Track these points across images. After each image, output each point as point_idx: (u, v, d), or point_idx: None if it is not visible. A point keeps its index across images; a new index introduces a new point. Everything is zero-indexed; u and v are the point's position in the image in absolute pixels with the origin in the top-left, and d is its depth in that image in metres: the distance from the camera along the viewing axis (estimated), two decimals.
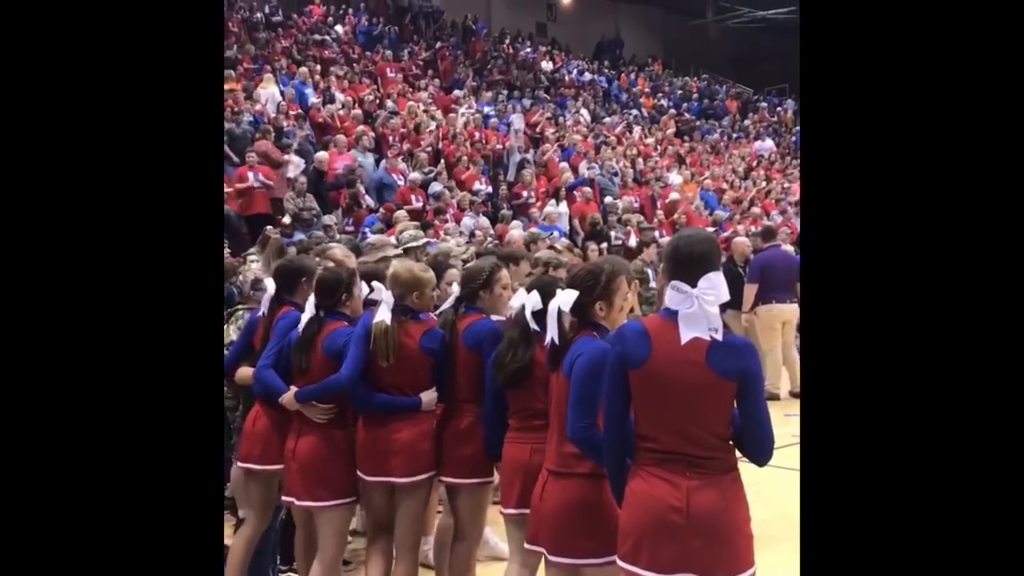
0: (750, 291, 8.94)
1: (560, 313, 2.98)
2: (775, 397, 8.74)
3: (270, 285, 4.00)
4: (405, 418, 3.58)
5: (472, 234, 10.08)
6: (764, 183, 17.52)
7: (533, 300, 3.29)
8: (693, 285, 2.50)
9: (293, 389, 3.63)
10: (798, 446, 7.31)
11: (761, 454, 2.59)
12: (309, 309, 3.67)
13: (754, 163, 19.28)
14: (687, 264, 2.54)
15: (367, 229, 9.83)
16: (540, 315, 3.25)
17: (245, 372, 3.99)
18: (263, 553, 4.05)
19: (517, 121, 14.92)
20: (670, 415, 2.53)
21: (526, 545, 3.14)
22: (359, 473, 3.63)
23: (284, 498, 3.72)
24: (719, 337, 2.49)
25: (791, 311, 8.97)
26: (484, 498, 3.71)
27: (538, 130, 16.21)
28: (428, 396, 3.61)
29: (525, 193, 13.00)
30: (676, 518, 2.48)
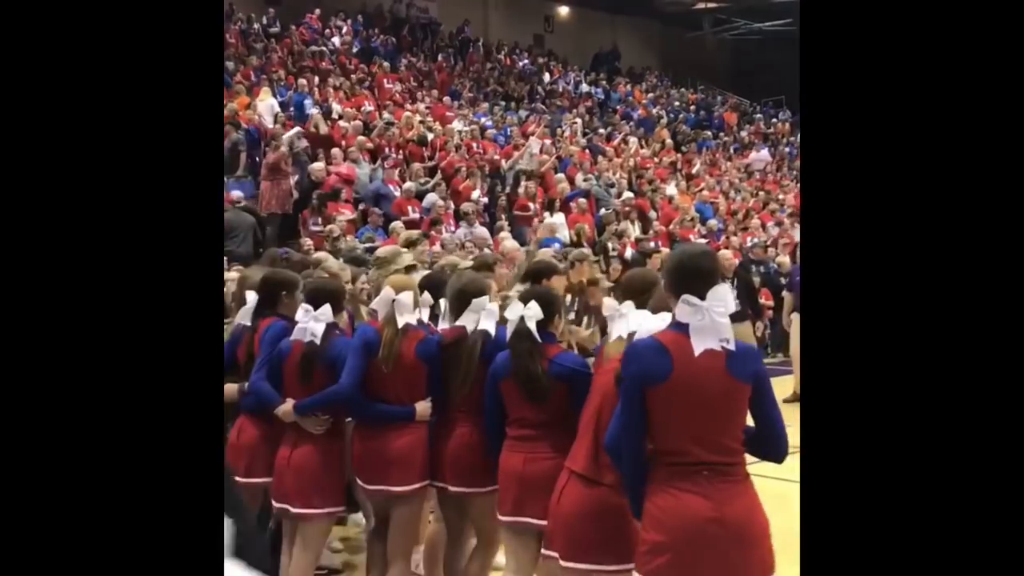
0: (791, 299, 9.82)
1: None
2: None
3: (251, 297, 3.99)
4: (399, 427, 3.59)
5: (462, 245, 10.05)
6: (761, 194, 17.55)
7: (534, 310, 3.30)
8: (702, 298, 2.55)
9: (290, 401, 3.62)
10: (797, 455, 7.18)
11: (779, 451, 2.70)
12: (315, 321, 3.64)
13: (748, 174, 19.33)
14: (694, 278, 2.59)
15: (358, 239, 9.82)
16: (542, 325, 3.31)
17: (229, 388, 3.95)
18: None
19: (534, 145, 14.86)
20: (696, 425, 2.55)
21: (542, 550, 3.16)
22: (359, 482, 3.64)
23: (277, 505, 3.72)
24: (731, 347, 2.56)
25: None
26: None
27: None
28: (422, 406, 3.62)
29: (530, 205, 12.98)
30: (714, 528, 2.51)
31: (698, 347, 2.53)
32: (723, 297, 2.56)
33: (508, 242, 8.91)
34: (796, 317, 9.66)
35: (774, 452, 2.69)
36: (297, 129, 12.05)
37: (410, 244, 6.32)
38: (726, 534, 2.51)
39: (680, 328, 2.59)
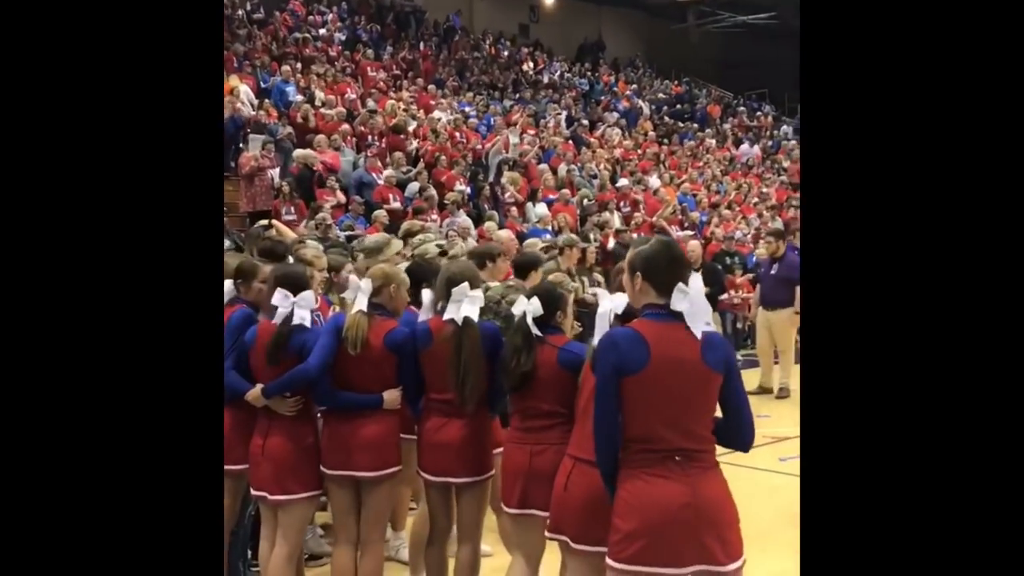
0: (758, 291, 9.61)
1: (612, 315, 3.07)
2: None
3: (227, 285, 4.00)
4: (370, 414, 3.61)
5: (446, 235, 10.05)
6: (744, 186, 17.64)
7: (535, 306, 3.39)
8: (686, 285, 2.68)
9: (259, 386, 3.63)
10: (770, 446, 7.43)
11: (745, 439, 2.77)
12: (299, 307, 3.67)
13: (732, 167, 19.41)
14: (680, 267, 2.73)
15: (338, 227, 9.80)
16: (540, 321, 3.38)
17: None
18: (233, 548, 4.06)
19: (513, 136, 14.86)
20: (670, 413, 2.63)
21: (547, 534, 3.21)
22: (322, 468, 3.66)
23: (255, 493, 3.74)
24: (712, 329, 2.69)
25: None
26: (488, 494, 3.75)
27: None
28: (391, 395, 3.65)
29: (508, 195, 13.01)
30: (688, 513, 2.58)
31: (697, 330, 2.64)
32: (700, 283, 2.70)
33: (504, 232, 8.90)
34: (761, 311, 9.74)
35: (740, 440, 2.77)
36: (265, 136, 11.77)
37: (409, 234, 6.27)
38: (700, 519, 2.58)
39: (657, 317, 2.67)
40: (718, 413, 2.75)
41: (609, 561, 2.68)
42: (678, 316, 2.65)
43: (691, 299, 2.65)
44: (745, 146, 21.01)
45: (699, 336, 2.64)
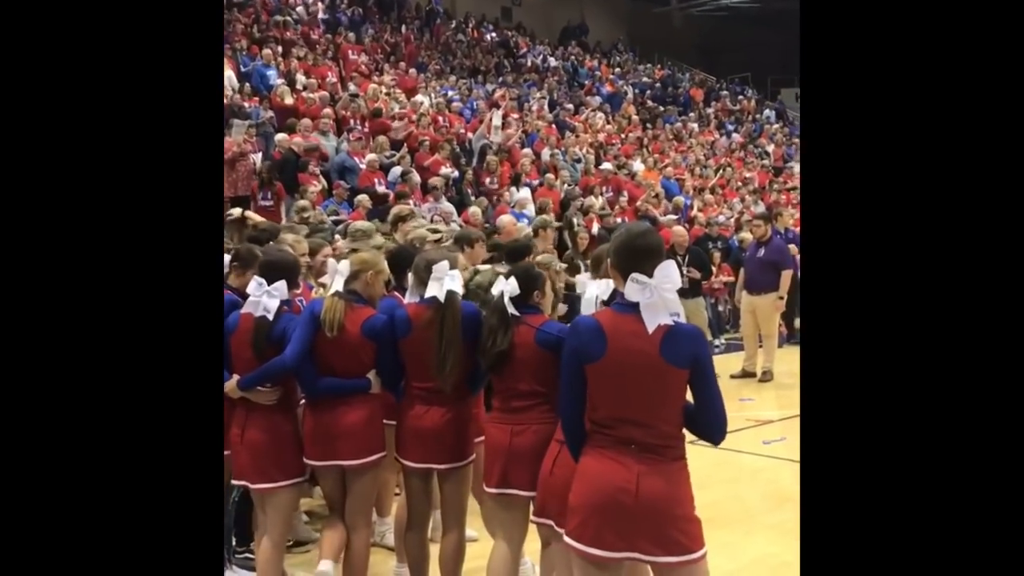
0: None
1: (598, 301, 3.06)
2: None
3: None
4: (352, 401, 3.60)
5: (431, 219, 10.03)
6: (726, 170, 17.67)
7: (512, 286, 3.37)
8: (649, 276, 2.58)
9: (235, 377, 3.60)
10: (753, 429, 7.45)
11: (716, 434, 2.69)
12: (269, 296, 3.63)
13: (713, 151, 19.44)
14: (642, 256, 2.64)
15: (322, 212, 9.72)
16: (518, 300, 3.36)
17: None
18: None
19: (496, 117, 14.79)
20: (627, 405, 2.61)
21: (532, 518, 3.22)
22: (306, 460, 3.64)
23: (235, 482, 3.73)
24: (681, 320, 2.61)
25: None
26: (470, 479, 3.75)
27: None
28: (377, 379, 3.64)
29: (489, 179, 12.99)
30: (625, 498, 2.55)
31: (651, 324, 2.56)
32: (670, 274, 2.60)
33: (506, 217, 8.90)
34: (746, 295, 9.69)
35: (708, 434, 2.69)
36: (248, 122, 11.55)
37: (400, 220, 6.17)
38: (637, 506, 2.54)
39: (621, 308, 2.64)
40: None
41: (564, 536, 2.72)
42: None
43: (652, 290, 2.57)
44: (724, 138, 21.01)
45: (650, 329, 2.56)
